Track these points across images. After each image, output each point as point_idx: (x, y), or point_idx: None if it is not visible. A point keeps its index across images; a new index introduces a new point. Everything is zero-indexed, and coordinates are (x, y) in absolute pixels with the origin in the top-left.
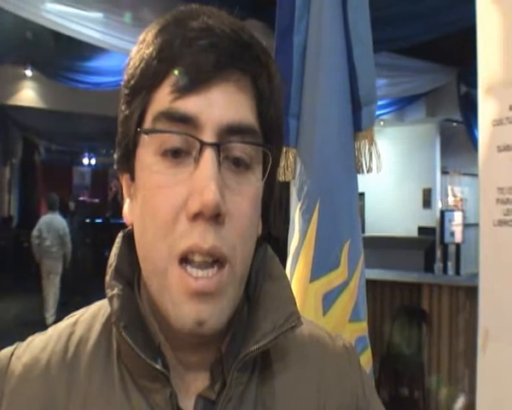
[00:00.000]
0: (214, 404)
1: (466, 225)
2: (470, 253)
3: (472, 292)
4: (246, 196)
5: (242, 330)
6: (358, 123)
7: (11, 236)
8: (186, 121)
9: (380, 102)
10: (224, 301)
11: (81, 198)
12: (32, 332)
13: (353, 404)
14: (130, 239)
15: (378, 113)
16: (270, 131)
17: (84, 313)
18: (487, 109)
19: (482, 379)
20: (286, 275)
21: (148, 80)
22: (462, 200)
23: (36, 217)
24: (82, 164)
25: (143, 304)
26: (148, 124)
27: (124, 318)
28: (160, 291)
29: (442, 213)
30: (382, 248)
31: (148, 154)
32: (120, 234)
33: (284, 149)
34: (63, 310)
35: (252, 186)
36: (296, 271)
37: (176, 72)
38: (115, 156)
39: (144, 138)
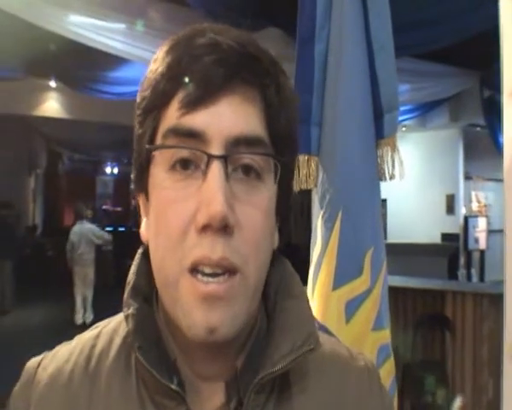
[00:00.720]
0: None
1: (490, 232)
2: (495, 260)
3: (496, 300)
4: (256, 206)
5: (260, 348)
6: (381, 130)
7: (35, 244)
8: (193, 136)
9: (402, 108)
10: (235, 307)
11: (104, 207)
12: (58, 339)
13: None
14: (148, 256)
15: (400, 118)
16: (281, 142)
17: (106, 324)
18: (511, 113)
19: (508, 388)
20: (306, 293)
21: (158, 99)
22: (486, 206)
23: (59, 226)
24: (105, 173)
25: (160, 319)
26: (158, 141)
27: (138, 339)
28: (173, 303)
29: (466, 219)
30: (405, 255)
31: (159, 171)
32: (140, 250)
33: (306, 158)
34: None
35: (263, 196)
36: (319, 279)
37: (183, 88)
38: (132, 176)
39: (155, 156)
